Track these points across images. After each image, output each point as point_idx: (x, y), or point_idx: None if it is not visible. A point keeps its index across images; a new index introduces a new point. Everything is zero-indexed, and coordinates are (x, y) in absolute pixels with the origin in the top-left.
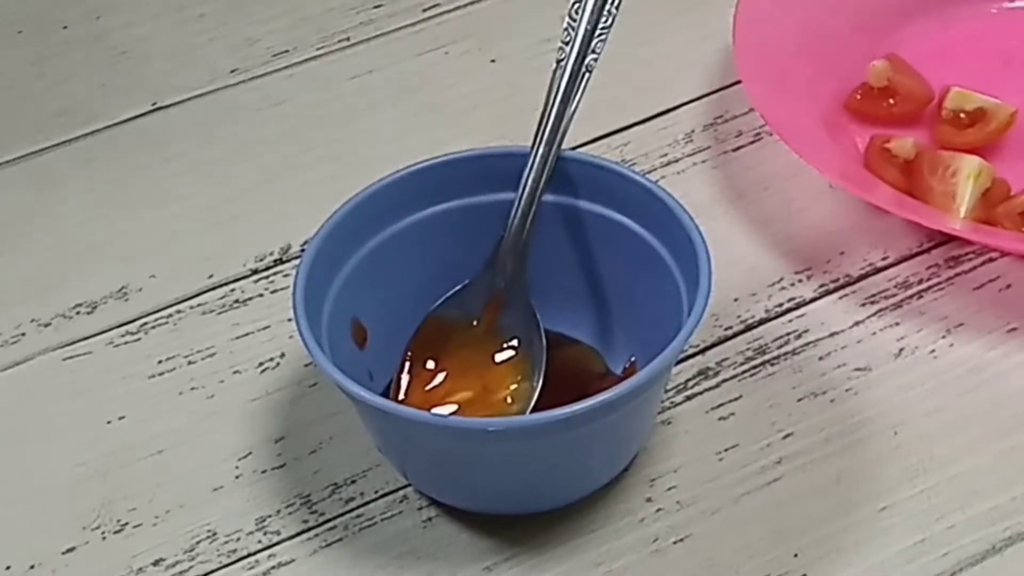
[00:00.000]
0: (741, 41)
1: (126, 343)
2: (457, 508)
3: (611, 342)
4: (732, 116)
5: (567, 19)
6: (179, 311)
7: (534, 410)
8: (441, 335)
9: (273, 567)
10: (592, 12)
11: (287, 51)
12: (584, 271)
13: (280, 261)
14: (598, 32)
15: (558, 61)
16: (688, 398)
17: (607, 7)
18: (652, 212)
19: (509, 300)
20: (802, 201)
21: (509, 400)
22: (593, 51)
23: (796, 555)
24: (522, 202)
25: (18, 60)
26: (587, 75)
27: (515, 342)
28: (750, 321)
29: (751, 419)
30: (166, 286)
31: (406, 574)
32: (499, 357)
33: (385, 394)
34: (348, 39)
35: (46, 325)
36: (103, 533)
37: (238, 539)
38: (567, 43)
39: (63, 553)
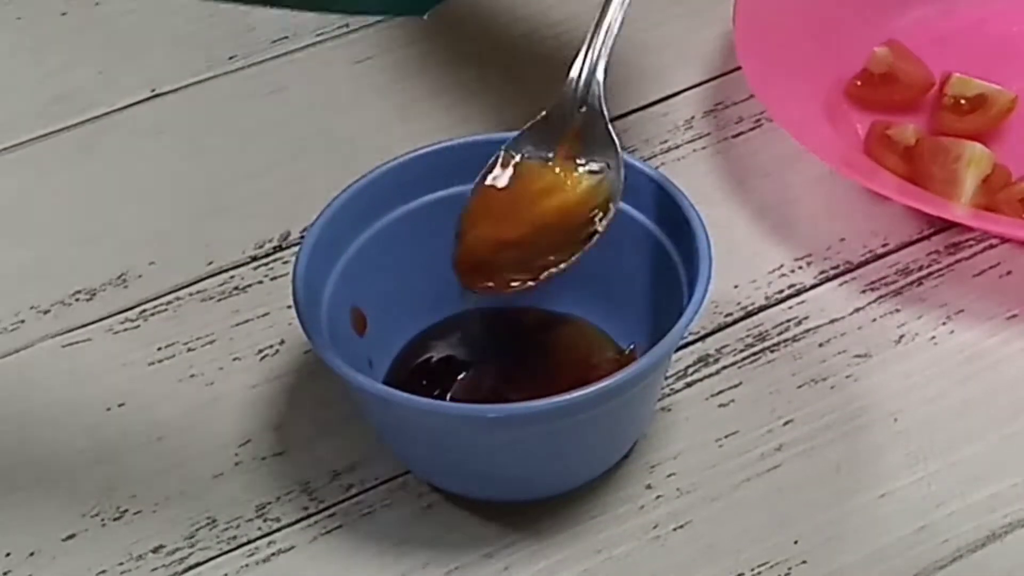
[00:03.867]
0: (741, 27)
1: (125, 330)
2: (457, 495)
3: (611, 329)
4: (732, 103)
5: None
6: (178, 298)
7: (536, 397)
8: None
9: (273, 554)
10: None
11: (286, 37)
12: (584, 257)
13: (279, 248)
14: None
15: None
16: (688, 385)
17: None
18: (652, 199)
19: (586, 126)
20: (802, 188)
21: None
22: None
23: (796, 542)
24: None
25: (17, 46)
26: None
27: (596, 165)
28: (750, 308)
29: (751, 406)
30: (165, 273)
31: (406, 560)
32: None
33: (385, 381)
34: (347, 25)
35: (45, 312)
36: (102, 520)
37: (238, 526)
38: None
39: (63, 540)
